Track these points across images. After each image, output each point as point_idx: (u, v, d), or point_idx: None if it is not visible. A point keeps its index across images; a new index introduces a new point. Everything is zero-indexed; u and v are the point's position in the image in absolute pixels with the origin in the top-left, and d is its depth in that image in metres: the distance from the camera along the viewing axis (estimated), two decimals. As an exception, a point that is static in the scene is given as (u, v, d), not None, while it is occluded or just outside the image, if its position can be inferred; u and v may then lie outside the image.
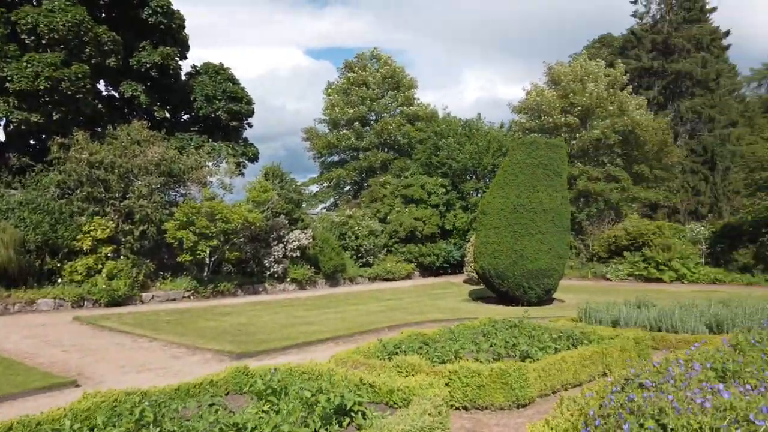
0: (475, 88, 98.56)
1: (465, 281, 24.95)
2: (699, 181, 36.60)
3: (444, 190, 29.27)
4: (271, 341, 10.68)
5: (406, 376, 6.00)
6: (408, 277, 27.08)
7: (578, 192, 29.60)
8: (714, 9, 39.35)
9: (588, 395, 4.74)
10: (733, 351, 5.97)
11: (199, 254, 18.21)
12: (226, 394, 5.97)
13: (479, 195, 29.04)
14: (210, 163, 22.42)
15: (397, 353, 7.54)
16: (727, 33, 39.58)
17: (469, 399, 6.23)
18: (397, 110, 38.04)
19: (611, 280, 25.61)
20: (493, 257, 16.65)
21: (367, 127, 37.93)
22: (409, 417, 4.32)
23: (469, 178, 30.67)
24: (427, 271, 28.48)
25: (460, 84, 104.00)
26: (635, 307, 10.98)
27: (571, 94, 29.97)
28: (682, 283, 24.37)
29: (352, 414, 4.70)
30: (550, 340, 8.22)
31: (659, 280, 24.58)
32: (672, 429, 3.60)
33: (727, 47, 39.93)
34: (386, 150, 38.01)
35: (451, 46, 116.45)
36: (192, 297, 18.39)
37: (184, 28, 25.07)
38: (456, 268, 28.91)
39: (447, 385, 6.15)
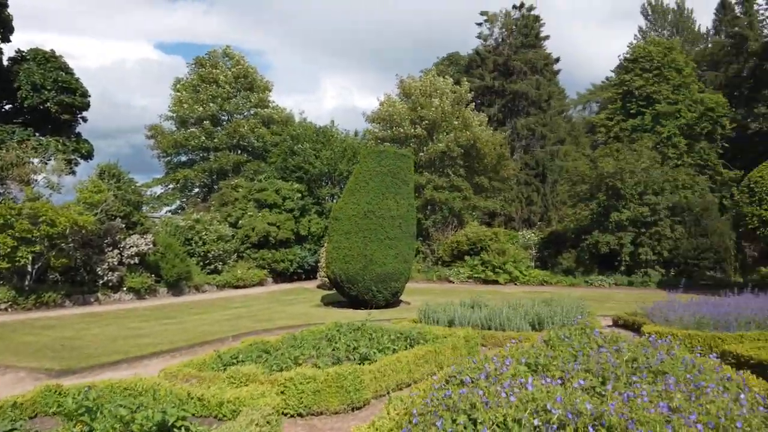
0: (333, 95, 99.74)
1: (318, 286, 24.99)
2: (531, 192, 40.19)
3: (300, 195, 29.07)
4: (98, 356, 9.83)
5: (239, 387, 5.83)
6: (260, 283, 26.46)
7: (425, 200, 31.04)
8: (547, 37, 43.57)
9: (413, 394, 4.93)
10: (546, 346, 6.59)
11: (19, 261, 16.32)
12: (34, 417, 5.38)
13: (335, 201, 29.27)
14: (35, 160, 20.25)
15: (234, 364, 7.31)
16: (558, 60, 44.03)
17: (304, 405, 6.20)
18: (251, 111, 37.10)
19: (454, 282, 27.19)
20: (345, 262, 16.88)
21: (219, 128, 36.49)
22: (234, 429, 4.20)
23: (325, 183, 30.82)
24: (281, 277, 28.08)
25: (318, 90, 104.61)
26: (469, 308, 11.73)
27: (419, 108, 31.41)
28: (515, 284, 26.57)
29: (175, 430, 4.46)
30: (389, 342, 8.48)
31: (495, 282, 26.58)
32: (481, 422, 3.85)
33: (558, 72, 44.40)
34: (239, 152, 36.84)
35: (311, 52, 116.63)
36: (10, 309, 16.42)
37: (6, 6, 22.42)
38: (310, 273, 28.83)
39: (282, 393, 6.08)
